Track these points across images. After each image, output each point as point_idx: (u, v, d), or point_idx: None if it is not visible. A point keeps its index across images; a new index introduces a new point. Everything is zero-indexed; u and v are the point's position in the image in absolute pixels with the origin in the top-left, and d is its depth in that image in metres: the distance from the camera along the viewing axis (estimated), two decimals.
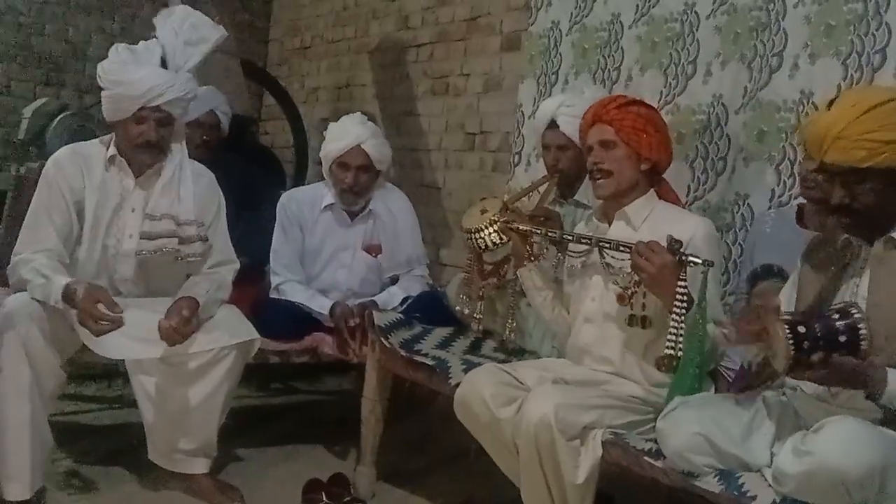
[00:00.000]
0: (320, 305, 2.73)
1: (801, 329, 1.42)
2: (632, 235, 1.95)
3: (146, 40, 2.35)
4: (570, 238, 2.09)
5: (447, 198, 3.87)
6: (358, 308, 2.66)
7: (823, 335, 1.42)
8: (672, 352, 1.76)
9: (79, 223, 2.28)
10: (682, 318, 1.76)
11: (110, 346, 2.19)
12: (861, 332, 1.42)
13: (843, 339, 1.41)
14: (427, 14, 4.06)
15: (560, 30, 3.20)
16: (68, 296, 2.09)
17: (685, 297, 1.77)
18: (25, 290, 2.14)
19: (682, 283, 1.77)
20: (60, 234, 2.23)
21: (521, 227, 2.15)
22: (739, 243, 2.50)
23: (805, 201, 2.21)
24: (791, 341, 1.41)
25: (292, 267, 2.86)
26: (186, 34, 2.36)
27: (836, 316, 1.44)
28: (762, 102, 2.50)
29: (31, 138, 3.52)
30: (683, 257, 1.77)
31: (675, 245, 1.78)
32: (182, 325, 2.16)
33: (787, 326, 1.43)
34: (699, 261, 1.76)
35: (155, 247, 2.29)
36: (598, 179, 2.05)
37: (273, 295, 2.83)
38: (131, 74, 2.24)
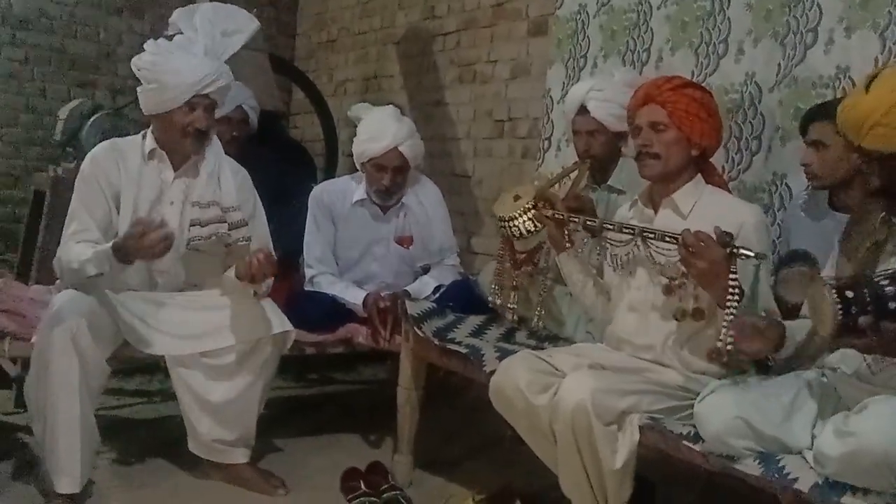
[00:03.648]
0: (354, 297, 2.75)
1: (849, 293, 1.37)
2: (680, 224, 1.89)
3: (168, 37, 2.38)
4: (610, 227, 2.03)
5: (477, 186, 3.86)
6: (390, 297, 2.68)
7: (872, 300, 1.37)
8: (722, 345, 1.71)
9: (117, 215, 2.30)
10: (735, 311, 1.71)
11: (151, 343, 2.25)
12: None
13: (892, 305, 1.36)
14: (453, 2, 4.04)
15: (587, 12, 3.16)
16: (118, 249, 2.09)
17: (737, 291, 1.72)
18: (74, 285, 2.17)
19: (734, 277, 1.71)
20: (101, 227, 2.26)
21: (556, 215, 2.12)
22: (778, 224, 2.46)
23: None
24: (839, 305, 1.37)
25: (325, 259, 2.88)
26: (223, 25, 2.38)
27: (886, 282, 1.38)
28: (798, 79, 2.44)
29: (67, 139, 3.59)
30: (735, 250, 1.71)
31: (725, 238, 1.71)
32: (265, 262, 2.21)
33: (834, 290, 1.38)
34: (752, 254, 1.69)
35: (208, 233, 2.32)
36: (645, 160, 1.99)
37: (307, 287, 2.85)
38: (185, 62, 2.26)
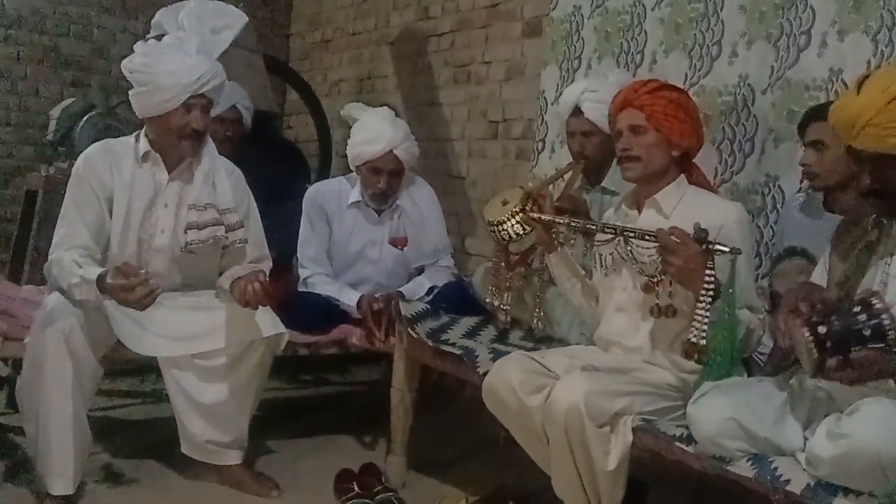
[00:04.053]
0: (349, 298, 2.75)
1: (822, 329, 1.39)
2: (663, 223, 1.90)
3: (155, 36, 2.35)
4: (593, 228, 2.06)
5: (471, 187, 3.86)
6: (384, 298, 2.68)
7: (846, 331, 1.38)
8: (695, 340, 1.73)
9: (109, 218, 2.28)
10: (709, 306, 1.73)
11: (143, 343, 2.24)
12: (884, 321, 1.38)
13: (867, 332, 1.38)
14: (447, 2, 4.04)
15: (582, 14, 3.17)
16: (103, 288, 2.07)
17: (712, 286, 1.74)
18: (63, 291, 2.15)
19: (710, 272, 1.74)
20: (92, 230, 2.24)
21: (543, 218, 2.13)
22: (771, 226, 2.47)
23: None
24: (813, 344, 1.39)
25: (320, 260, 2.88)
26: (211, 22, 2.35)
27: (858, 309, 1.40)
28: (791, 82, 2.45)
29: (60, 138, 3.57)
30: (710, 246, 1.74)
31: (701, 234, 1.74)
32: (260, 293, 2.18)
33: (807, 330, 1.40)
34: (727, 249, 1.72)
35: (205, 236, 2.29)
36: (626, 163, 2.01)
37: (301, 288, 2.84)
38: (180, 63, 2.21)
